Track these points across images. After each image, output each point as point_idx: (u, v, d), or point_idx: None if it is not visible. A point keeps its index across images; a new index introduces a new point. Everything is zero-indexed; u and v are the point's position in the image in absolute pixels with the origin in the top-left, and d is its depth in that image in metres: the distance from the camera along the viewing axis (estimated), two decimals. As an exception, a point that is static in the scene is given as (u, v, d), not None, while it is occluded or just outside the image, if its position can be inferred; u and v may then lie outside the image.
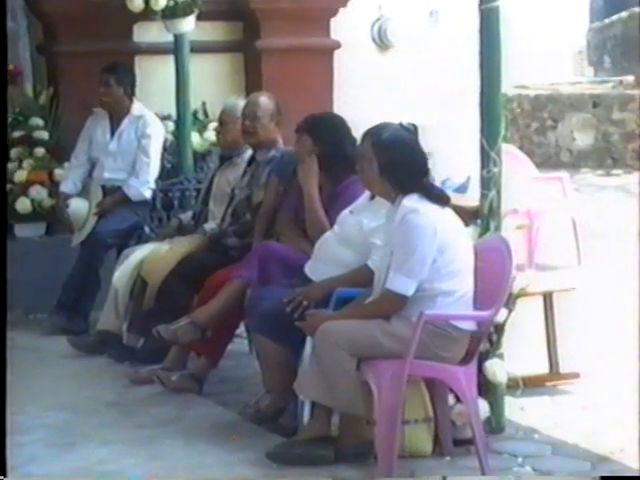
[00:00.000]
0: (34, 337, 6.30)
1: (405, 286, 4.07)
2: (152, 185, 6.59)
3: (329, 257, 4.66)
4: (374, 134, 4.31)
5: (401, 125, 4.53)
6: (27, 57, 7.31)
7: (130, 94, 6.56)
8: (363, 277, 4.46)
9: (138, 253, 5.89)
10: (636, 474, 3.75)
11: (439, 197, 4.20)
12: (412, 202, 4.14)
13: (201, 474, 4.09)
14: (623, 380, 4.98)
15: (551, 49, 12.78)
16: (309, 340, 4.28)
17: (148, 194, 6.53)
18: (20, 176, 6.89)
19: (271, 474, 4.05)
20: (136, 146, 6.52)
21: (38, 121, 7.04)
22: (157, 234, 6.26)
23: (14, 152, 7.00)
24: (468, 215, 4.51)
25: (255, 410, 4.65)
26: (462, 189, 5.19)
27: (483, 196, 4.48)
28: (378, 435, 4.06)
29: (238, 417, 4.70)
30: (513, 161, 4.98)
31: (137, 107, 6.60)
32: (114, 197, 6.46)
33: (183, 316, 5.12)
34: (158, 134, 6.63)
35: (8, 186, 6.89)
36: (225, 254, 5.57)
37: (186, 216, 6.20)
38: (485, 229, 4.47)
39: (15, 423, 4.69)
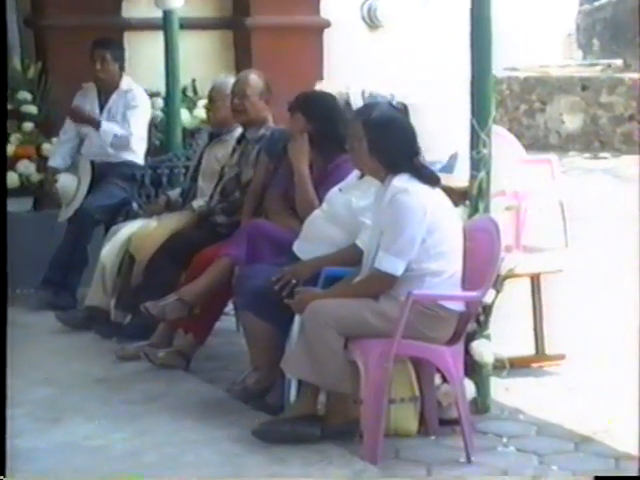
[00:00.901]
0: (21, 312, 6.28)
1: (394, 266, 4.07)
2: (138, 159, 6.58)
3: (317, 235, 4.67)
4: (364, 113, 4.31)
5: (391, 104, 4.53)
6: (15, 30, 7.25)
7: (121, 69, 6.55)
8: (352, 256, 4.47)
9: (126, 229, 5.89)
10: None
11: (429, 177, 4.20)
12: (402, 182, 4.14)
13: (187, 450, 4.09)
14: (608, 362, 5.03)
15: (540, 31, 12.77)
16: (297, 318, 4.30)
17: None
18: (8, 150, 6.85)
19: (257, 451, 4.05)
20: (121, 118, 6.50)
21: (26, 95, 7.01)
22: (145, 211, 6.26)
23: (2, 126, 6.97)
24: (457, 196, 4.52)
25: (242, 387, 4.66)
26: (448, 168, 5.19)
27: (472, 177, 4.48)
28: (364, 414, 4.08)
29: (225, 394, 4.71)
30: (502, 143, 4.98)
31: (126, 82, 6.59)
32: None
33: (171, 293, 5.11)
34: (144, 107, 6.60)
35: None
36: (213, 231, 5.56)
37: (174, 193, 6.19)
38: (474, 210, 4.48)
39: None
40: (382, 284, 4.12)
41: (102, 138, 6.46)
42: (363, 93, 5.54)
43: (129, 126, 6.49)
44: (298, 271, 4.53)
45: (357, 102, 5.57)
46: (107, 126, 6.47)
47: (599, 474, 3.82)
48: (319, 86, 5.92)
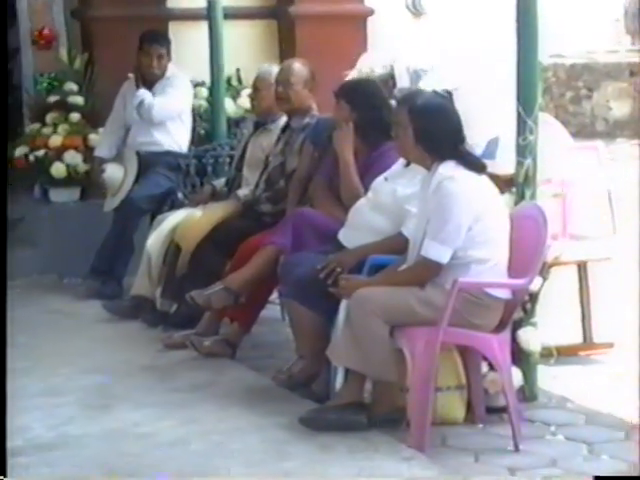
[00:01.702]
0: (68, 301, 6.36)
1: (440, 253, 4.06)
2: (184, 147, 6.58)
3: (363, 224, 4.66)
4: (409, 101, 4.29)
5: (435, 92, 4.50)
6: (62, 22, 7.32)
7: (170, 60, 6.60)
8: (397, 244, 4.45)
9: (172, 219, 5.91)
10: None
11: (475, 164, 4.18)
12: (448, 169, 4.12)
13: (234, 437, 4.11)
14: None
15: (587, 17, 12.63)
16: (342, 306, 4.29)
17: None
18: (55, 141, 6.92)
19: (303, 439, 4.06)
20: None
21: (73, 86, 7.07)
22: (190, 200, 6.28)
23: (49, 117, 7.04)
24: (502, 183, 4.49)
25: (288, 376, 4.67)
26: (490, 154, 5.13)
27: (519, 164, 4.45)
28: (411, 402, 4.07)
29: (271, 382, 4.71)
30: (548, 129, 4.93)
31: (170, 70, 6.62)
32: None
33: (216, 282, 5.14)
34: (180, 89, 6.59)
35: (43, 151, 6.93)
36: (258, 220, 5.58)
37: (219, 182, 6.21)
38: (520, 197, 4.45)
39: (52, 385, 4.77)
40: (428, 272, 4.11)
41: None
42: (408, 68, 5.50)
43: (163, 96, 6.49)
44: (343, 259, 4.53)
45: (401, 76, 5.54)
46: (141, 92, 6.48)
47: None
48: (363, 58, 5.88)
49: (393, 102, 4.84)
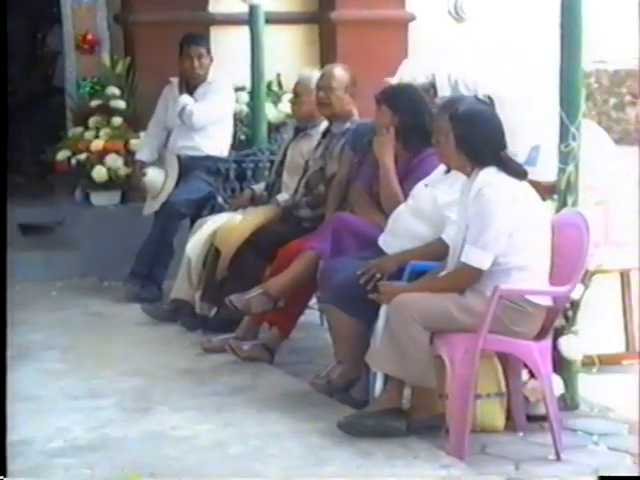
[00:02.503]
0: (108, 304, 6.40)
1: (480, 259, 4.04)
2: (224, 151, 6.60)
3: (403, 230, 4.64)
4: (450, 107, 4.27)
5: (477, 98, 4.48)
6: (104, 27, 7.38)
7: (211, 63, 6.63)
8: (437, 250, 4.44)
9: (211, 223, 5.93)
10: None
11: (516, 170, 4.15)
12: (489, 175, 4.10)
13: (272, 442, 4.10)
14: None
15: (631, 22, 12.52)
16: (382, 312, 4.28)
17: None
18: (97, 145, 6.97)
19: (342, 444, 4.05)
20: None
21: (115, 90, 7.12)
22: (230, 204, 6.30)
23: (92, 121, 7.10)
24: (544, 190, 4.46)
25: (326, 381, 4.66)
26: (531, 162, 5.10)
27: (561, 171, 4.42)
28: (450, 409, 4.05)
29: (309, 387, 4.71)
30: (591, 136, 4.89)
31: (212, 75, 6.64)
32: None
33: (256, 286, 5.14)
34: (222, 95, 6.62)
35: (85, 154, 6.98)
36: (298, 225, 5.58)
37: (259, 187, 6.22)
38: (562, 204, 4.41)
39: (91, 387, 4.79)
40: (468, 278, 4.09)
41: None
42: (449, 77, 5.48)
43: (203, 103, 6.52)
44: (383, 265, 4.51)
45: (443, 85, 5.52)
46: (183, 98, 6.52)
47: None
48: (404, 65, 5.86)
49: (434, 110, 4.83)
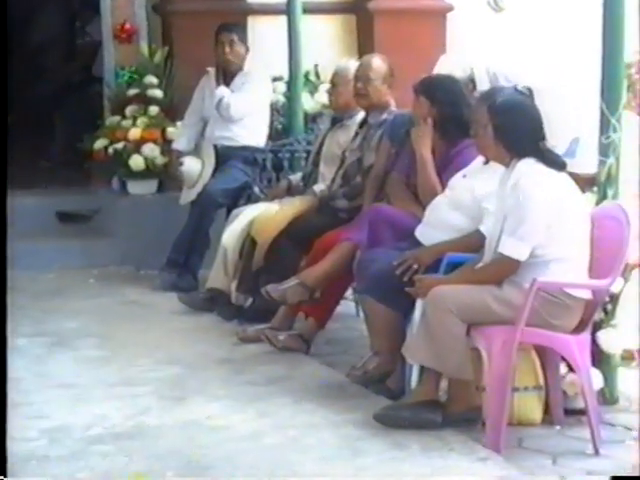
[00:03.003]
0: (145, 293, 6.42)
1: (518, 251, 4.01)
2: (261, 141, 6.60)
3: (440, 221, 4.62)
4: (489, 98, 4.25)
5: (516, 89, 4.45)
6: (143, 16, 7.40)
7: (247, 52, 6.61)
8: (475, 242, 4.41)
9: (248, 213, 5.93)
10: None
11: (555, 162, 4.12)
12: (527, 166, 4.08)
13: (308, 433, 4.10)
14: None
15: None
16: (418, 304, 4.26)
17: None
18: (134, 134, 6.99)
19: (377, 435, 4.05)
20: None
21: (152, 79, 7.14)
22: (266, 195, 6.30)
23: (129, 110, 7.12)
24: (583, 182, 4.42)
25: (362, 372, 4.65)
26: (570, 153, 5.06)
27: (601, 163, 4.38)
28: (487, 402, 4.03)
29: (345, 378, 4.71)
30: (632, 128, 4.84)
31: (248, 65, 6.64)
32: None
33: (292, 277, 5.15)
34: (259, 87, 6.61)
35: (122, 143, 7.01)
36: (334, 216, 5.57)
37: (296, 177, 6.22)
38: (602, 196, 4.37)
39: (128, 375, 4.82)
40: (506, 269, 4.06)
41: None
42: (488, 71, 5.45)
43: (240, 92, 6.52)
44: (420, 256, 4.50)
45: (481, 79, 5.49)
46: (220, 90, 6.52)
47: None
48: (442, 60, 5.84)
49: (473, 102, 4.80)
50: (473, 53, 6.91)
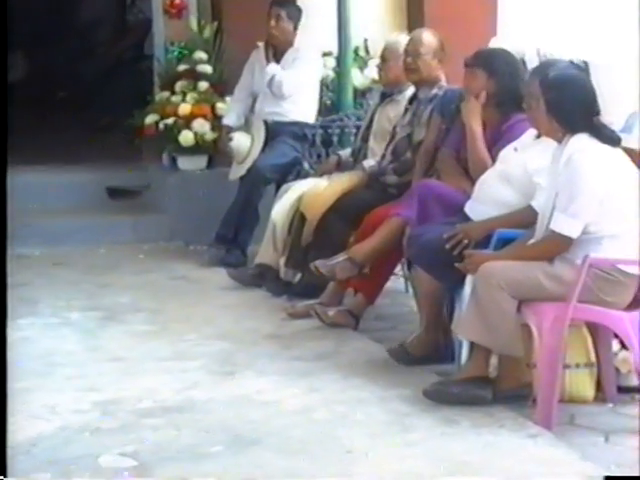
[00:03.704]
0: (194, 268, 6.46)
1: (570, 227, 3.96)
2: (311, 117, 6.58)
3: (490, 196, 4.57)
4: (542, 72, 4.20)
5: (571, 62, 4.38)
6: (192, -8, 7.41)
7: (296, 29, 6.58)
8: (526, 218, 4.36)
9: (297, 188, 5.93)
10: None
11: (609, 137, 4.06)
12: (580, 142, 4.02)
13: (357, 408, 4.10)
14: None
15: None
16: (468, 280, 4.24)
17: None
18: (184, 109, 7.01)
19: (427, 411, 4.03)
20: None
21: (202, 55, 7.15)
22: (316, 170, 6.30)
23: (179, 85, 7.14)
24: (638, 158, 4.35)
25: (401, 347, 4.64)
26: (627, 129, 4.99)
27: (658, 138, 4.30)
28: (538, 378, 4.00)
29: (394, 354, 4.70)
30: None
31: (298, 41, 6.61)
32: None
33: (340, 252, 5.14)
34: (309, 64, 6.59)
35: (172, 119, 7.02)
36: (384, 192, 5.55)
37: (345, 153, 6.20)
38: (658, 172, 4.29)
39: (178, 350, 4.85)
40: (558, 246, 4.02)
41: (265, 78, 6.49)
42: (539, 52, 5.38)
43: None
44: (470, 231, 4.46)
45: (533, 61, 5.42)
46: (271, 67, 6.51)
47: None
48: (493, 42, 5.78)
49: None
50: (524, 29, 6.83)
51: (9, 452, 3.55)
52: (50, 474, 3.50)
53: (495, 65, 4.77)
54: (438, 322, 4.63)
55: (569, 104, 4.04)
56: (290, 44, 6.59)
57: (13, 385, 4.30)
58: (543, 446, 3.72)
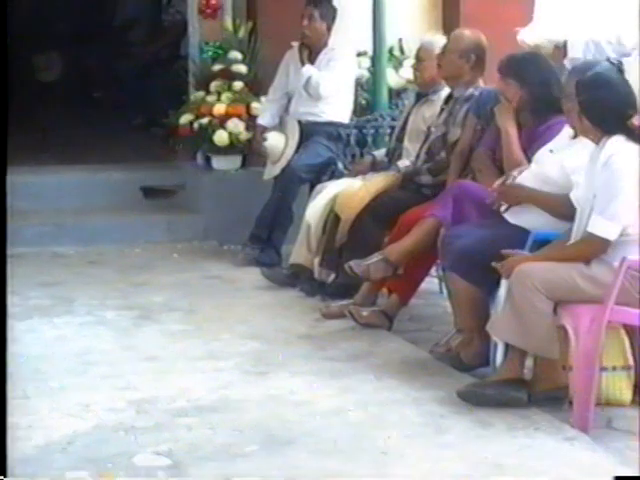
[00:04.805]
0: (228, 268, 6.46)
1: (608, 230, 3.94)
2: (345, 117, 6.58)
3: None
4: (579, 72, 4.20)
5: (609, 60, 4.35)
6: (227, -9, 7.41)
7: (330, 29, 6.57)
8: (562, 206, 4.32)
9: (331, 188, 5.91)
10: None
11: (646, 140, 4.02)
12: (617, 144, 4.00)
13: (391, 409, 4.09)
14: None
15: None
16: (504, 281, 4.22)
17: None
18: (219, 109, 7.01)
19: (461, 413, 4.01)
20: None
21: (237, 55, 7.15)
22: (350, 170, 6.28)
23: (213, 85, 7.14)
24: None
25: (446, 349, 4.63)
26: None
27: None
28: (574, 381, 3.97)
29: (428, 355, 4.69)
30: None
31: (333, 41, 6.60)
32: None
33: (375, 253, 5.12)
34: (344, 64, 6.57)
35: (207, 119, 7.03)
36: (418, 192, 5.53)
37: (380, 153, 6.18)
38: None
39: (212, 349, 4.86)
40: (595, 248, 3.99)
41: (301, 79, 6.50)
42: (587, 42, 5.34)
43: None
44: (508, 193, 4.43)
45: (574, 46, 5.38)
46: (307, 69, 6.51)
47: None
48: (525, 32, 5.75)
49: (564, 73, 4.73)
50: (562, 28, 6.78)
51: (46, 449, 3.58)
52: (87, 472, 3.51)
53: (527, 74, 4.77)
54: (475, 323, 4.58)
55: (603, 105, 4.03)
56: (324, 44, 6.57)
57: (49, 384, 4.37)
58: (580, 450, 3.69)
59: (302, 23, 6.50)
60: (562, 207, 4.29)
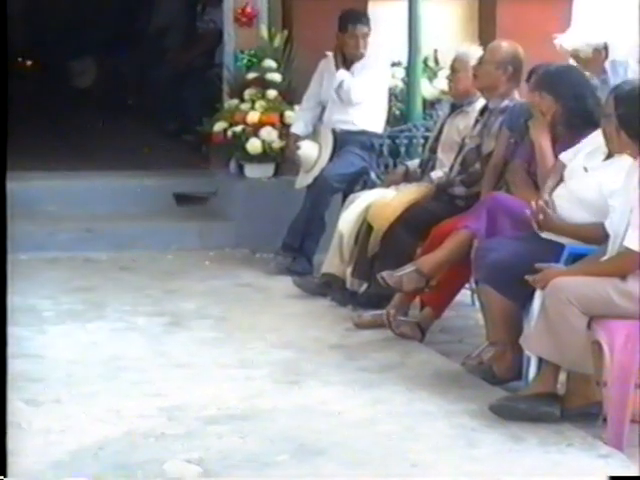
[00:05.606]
0: (260, 276, 6.46)
1: (645, 245, 3.90)
2: (379, 127, 6.57)
3: (562, 215, 4.51)
4: (617, 88, 4.16)
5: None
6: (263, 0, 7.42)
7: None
8: (596, 234, 4.29)
9: (364, 198, 5.90)
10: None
11: (683, 155, 3.99)
12: (655, 158, 3.96)
13: (422, 421, 4.07)
14: None
15: None
16: (538, 294, 4.19)
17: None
18: (252, 117, 7.02)
19: (493, 427, 3.99)
20: None
21: (271, 63, 7.16)
22: (383, 180, 6.27)
23: (247, 93, 7.16)
24: None
25: (477, 362, 4.60)
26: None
27: None
28: (609, 397, 3.93)
29: (460, 367, 4.66)
30: None
31: (368, 50, 6.59)
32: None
33: (407, 264, 5.11)
34: (378, 72, 6.57)
35: (241, 127, 7.05)
36: (451, 203, 5.51)
37: (413, 163, 6.17)
38: None
39: (243, 358, 4.85)
40: (631, 263, 3.95)
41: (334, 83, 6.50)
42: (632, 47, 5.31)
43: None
44: (542, 223, 4.40)
45: (616, 46, 5.34)
46: (341, 73, 6.51)
47: None
48: (564, 36, 5.72)
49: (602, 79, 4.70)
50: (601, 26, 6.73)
51: (77, 454, 3.59)
52: (117, 478, 3.52)
53: (561, 88, 4.73)
54: (508, 336, 4.54)
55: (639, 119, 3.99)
56: (361, 55, 6.58)
57: (81, 389, 4.38)
58: (615, 467, 3.65)
59: (355, 42, 6.44)
60: (594, 237, 4.26)
